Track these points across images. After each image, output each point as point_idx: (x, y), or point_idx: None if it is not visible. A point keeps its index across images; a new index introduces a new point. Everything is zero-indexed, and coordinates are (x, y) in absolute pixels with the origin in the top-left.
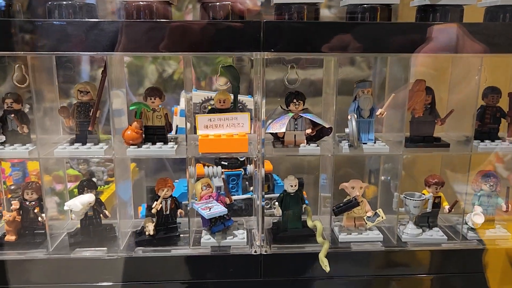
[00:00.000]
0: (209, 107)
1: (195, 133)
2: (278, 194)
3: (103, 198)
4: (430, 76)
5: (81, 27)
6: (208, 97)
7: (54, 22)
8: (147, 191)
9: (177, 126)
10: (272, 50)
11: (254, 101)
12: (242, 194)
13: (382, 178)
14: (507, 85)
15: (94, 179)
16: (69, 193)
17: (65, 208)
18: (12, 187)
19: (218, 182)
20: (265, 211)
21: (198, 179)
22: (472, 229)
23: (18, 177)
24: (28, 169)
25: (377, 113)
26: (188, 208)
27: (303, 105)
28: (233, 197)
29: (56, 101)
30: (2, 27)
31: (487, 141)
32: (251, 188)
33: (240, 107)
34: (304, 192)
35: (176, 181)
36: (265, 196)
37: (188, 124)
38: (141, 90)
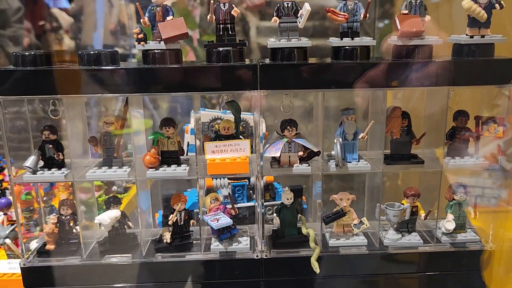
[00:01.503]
0: (216, 126)
1: (203, 149)
2: (279, 202)
3: (122, 204)
4: (407, 101)
5: (106, 72)
6: (215, 116)
7: (85, 69)
8: (163, 200)
9: (188, 143)
10: (268, 88)
11: (254, 128)
12: (247, 202)
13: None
14: (474, 109)
15: (114, 187)
16: (97, 202)
17: (95, 221)
18: (45, 198)
19: (225, 191)
20: (267, 216)
21: (207, 190)
22: (445, 233)
23: (47, 186)
24: None
25: (359, 137)
26: (200, 218)
27: (296, 130)
28: (238, 205)
29: (85, 131)
30: (43, 74)
31: (457, 157)
32: (254, 196)
33: (244, 124)
34: (303, 197)
35: (188, 190)
36: (267, 204)
37: (198, 142)
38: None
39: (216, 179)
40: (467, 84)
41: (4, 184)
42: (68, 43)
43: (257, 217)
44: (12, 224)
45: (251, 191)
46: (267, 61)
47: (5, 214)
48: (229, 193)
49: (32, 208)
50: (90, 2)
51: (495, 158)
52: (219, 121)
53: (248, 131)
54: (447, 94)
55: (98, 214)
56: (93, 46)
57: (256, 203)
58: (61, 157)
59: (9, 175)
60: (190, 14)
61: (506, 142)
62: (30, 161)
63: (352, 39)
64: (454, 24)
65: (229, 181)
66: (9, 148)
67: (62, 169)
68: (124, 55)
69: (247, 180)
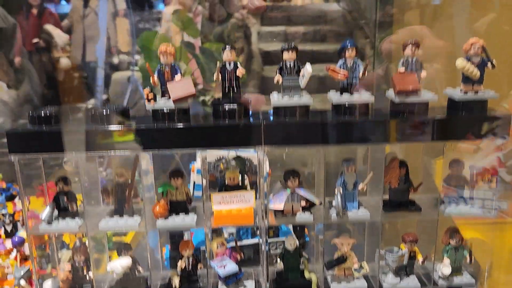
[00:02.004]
0: (221, 166)
1: (210, 188)
2: (282, 238)
3: (129, 237)
4: (405, 149)
5: (116, 131)
6: (220, 156)
7: (97, 128)
8: (170, 236)
9: (194, 182)
10: (271, 144)
11: (257, 180)
12: (251, 238)
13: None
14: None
15: None
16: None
17: (108, 269)
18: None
19: (230, 229)
20: (271, 252)
21: (213, 230)
22: (442, 277)
23: None
24: None
25: (359, 187)
26: (207, 263)
27: (298, 180)
28: (243, 242)
29: (98, 181)
30: (55, 134)
31: (453, 204)
32: (258, 232)
33: (248, 164)
34: (305, 229)
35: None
36: (270, 241)
37: (204, 181)
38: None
39: None
40: (463, 139)
41: (16, 217)
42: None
43: (262, 263)
44: (26, 259)
45: (255, 228)
46: (271, 116)
47: (18, 251)
48: (235, 239)
49: (44, 245)
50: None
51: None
52: (224, 160)
53: (252, 170)
54: (443, 147)
55: (108, 248)
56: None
57: (261, 255)
58: (74, 208)
59: (26, 228)
60: (192, 21)
61: (506, 155)
62: (45, 213)
63: (352, 94)
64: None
65: None
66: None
67: (76, 218)
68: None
69: None
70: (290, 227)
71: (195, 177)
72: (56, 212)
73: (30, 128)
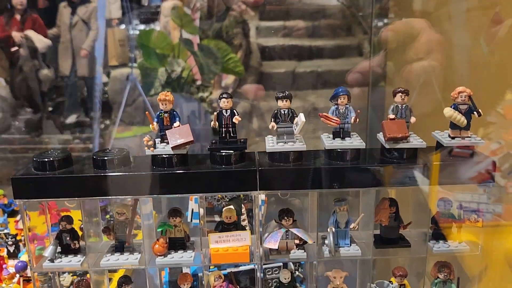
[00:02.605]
0: (219, 196)
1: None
2: (278, 264)
3: None
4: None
5: (119, 177)
6: None
7: (101, 175)
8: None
9: (192, 210)
10: (266, 189)
11: (254, 221)
12: (247, 264)
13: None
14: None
15: None
16: None
17: None
18: None
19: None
20: (267, 276)
21: None
22: None
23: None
24: None
25: (351, 226)
26: None
27: (292, 219)
28: (239, 268)
29: (99, 219)
30: (60, 180)
31: (441, 241)
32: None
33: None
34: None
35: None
36: (266, 266)
37: (202, 210)
38: (152, 92)
39: None
40: (450, 184)
41: (18, 236)
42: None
43: None
44: (29, 281)
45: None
46: (266, 162)
47: (21, 276)
48: (231, 273)
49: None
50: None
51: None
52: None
53: (248, 198)
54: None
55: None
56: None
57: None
58: (77, 245)
59: (30, 267)
60: (190, 18)
61: (501, 159)
62: (49, 251)
63: (343, 139)
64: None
65: None
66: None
67: (78, 255)
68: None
69: None
70: None
71: (193, 205)
72: (59, 249)
73: (35, 174)
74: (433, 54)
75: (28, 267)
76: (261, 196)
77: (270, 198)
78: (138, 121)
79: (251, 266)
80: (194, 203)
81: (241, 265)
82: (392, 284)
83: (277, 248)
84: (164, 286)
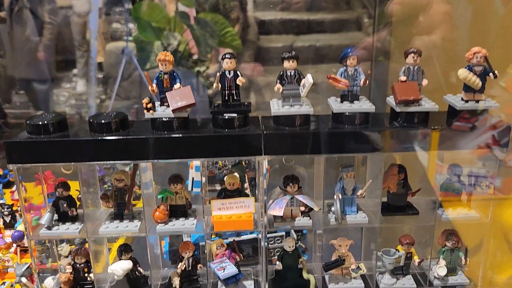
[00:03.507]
0: (220, 163)
1: (208, 184)
2: (280, 233)
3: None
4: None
5: (116, 141)
6: None
7: (98, 139)
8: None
9: (193, 178)
10: (271, 154)
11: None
12: (250, 234)
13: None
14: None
15: None
16: None
17: (109, 271)
18: None
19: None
20: (269, 246)
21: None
22: (438, 277)
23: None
24: None
25: (358, 193)
26: (207, 266)
27: (298, 186)
28: (242, 237)
29: (97, 188)
30: (55, 144)
31: (450, 209)
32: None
33: (247, 161)
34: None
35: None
36: (269, 236)
37: (203, 178)
38: (147, 66)
39: None
40: (462, 149)
41: (15, 207)
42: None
43: (261, 261)
44: (26, 251)
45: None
46: (271, 126)
47: (18, 245)
48: (234, 240)
49: (43, 240)
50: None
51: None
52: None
53: (250, 166)
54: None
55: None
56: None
57: (260, 256)
58: (74, 212)
59: (27, 235)
60: None
61: (500, 133)
62: (45, 219)
63: (352, 102)
64: None
65: None
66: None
67: (76, 223)
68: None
69: None
70: None
71: (194, 174)
72: (56, 216)
73: (29, 138)
74: (442, 26)
75: (25, 236)
76: (265, 162)
77: (273, 166)
78: (134, 95)
79: (254, 235)
80: (195, 172)
81: (243, 234)
82: (398, 252)
83: (281, 215)
84: (164, 255)
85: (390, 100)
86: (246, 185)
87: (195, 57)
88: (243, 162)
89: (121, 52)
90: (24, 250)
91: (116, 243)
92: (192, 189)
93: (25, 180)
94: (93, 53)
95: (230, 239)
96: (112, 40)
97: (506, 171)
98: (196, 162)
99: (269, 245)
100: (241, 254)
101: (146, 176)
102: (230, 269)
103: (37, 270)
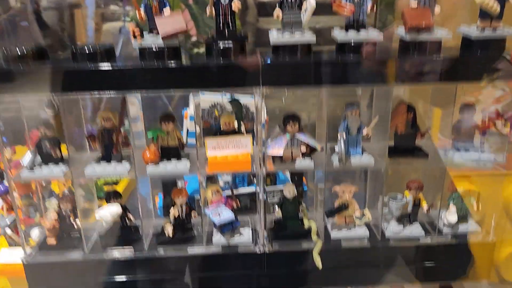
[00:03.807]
0: (216, 113)
1: (203, 138)
2: (280, 186)
3: (121, 187)
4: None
5: (104, 72)
6: (215, 102)
7: (83, 68)
8: (163, 185)
9: (187, 129)
10: (270, 85)
11: (255, 127)
12: (247, 186)
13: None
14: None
15: None
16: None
17: (96, 217)
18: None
19: (226, 177)
20: (268, 200)
21: (208, 177)
22: (447, 225)
23: None
24: None
25: (364, 133)
26: (202, 212)
27: (298, 125)
28: (239, 191)
29: (82, 126)
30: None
31: (462, 151)
32: (255, 179)
33: (244, 111)
34: (303, 178)
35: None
36: (268, 189)
37: (198, 128)
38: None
39: None
40: (476, 80)
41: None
42: None
43: (259, 211)
44: (13, 209)
45: (251, 176)
46: (270, 55)
47: (4, 200)
48: (231, 187)
49: (31, 194)
50: None
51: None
52: (218, 107)
53: (248, 117)
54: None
55: (97, 196)
56: None
57: (258, 203)
58: (58, 154)
59: (7, 177)
60: None
61: (505, 106)
62: (26, 159)
63: (358, 31)
64: None
65: None
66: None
67: (60, 164)
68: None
69: None
70: (288, 175)
71: (188, 124)
72: (39, 159)
73: (5, 67)
74: None
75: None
76: (263, 112)
77: (273, 114)
78: None
79: (252, 189)
80: (189, 121)
81: (241, 186)
82: (406, 197)
83: (281, 155)
84: (158, 211)
85: (400, 30)
86: (243, 127)
87: (194, 39)
88: (239, 102)
89: (119, 31)
90: (11, 208)
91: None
92: (186, 141)
93: (15, 143)
94: (89, 31)
95: (228, 192)
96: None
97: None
98: (190, 112)
99: (268, 200)
100: (238, 201)
101: (137, 125)
102: (227, 214)
103: (24, 224)
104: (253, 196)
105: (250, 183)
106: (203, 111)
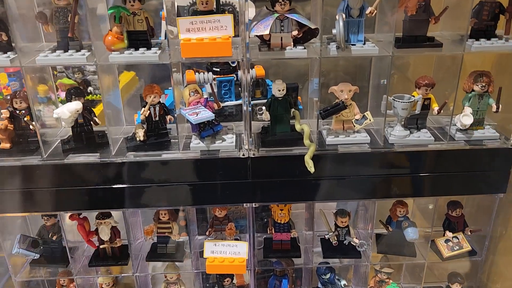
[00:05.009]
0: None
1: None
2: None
3: (99, 106)
4: None
5: None
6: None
7: None
8: (141, 99)
9: (165, 31)
10: None
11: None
12: (235, 100)
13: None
14: None
15: (90, 88)
16: (62, 102)
17: (54, 115)
18: (8, 97)
19: (209, 88)
20: (258, 116)
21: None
22: (461, 130)
23: (16, 87)
24: None
25: (367, 11)
26: (176, 114)
27: (290, 5)
28: (225, 103)
29: (33, 7)
30: None
31: (482, 39)
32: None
33: (230, 9)
34: (299, 98)
35: (169, 88)
36: (257, 102)
37: (175, 29)
38: None
39: (199, 73)
40: None
41: None
42: None
43: (244, 111)
44: None
45: (239, 88)
46: None
47: None
48: (210, 84)
49: None
50: None
51: None
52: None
53: (235, 19)
54: None
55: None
56: None
57: (242, 96)
58: (4, 37)
59: None
60: None
61: None
62: None
63: None
64: None
65: (214, 76)
66: None
67: (8, 52)
68: None
69: (234, 75)
70: None
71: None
72: None
73: None
74: None
75: None
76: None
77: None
78: None
79: (239, 102)
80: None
81: (227, 100)
82: (414, 97)
83: (268, 38)
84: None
85: None
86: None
87: None
88: None
89: None
90: None
91: None
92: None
93: None
94: None
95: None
96: None
97: None
98: None
99: (258, 115)
100: (219, 103)
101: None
102: (205, 114)
103: None
104: (240, 107)
105: (238, 97)
106: (182, 8)
